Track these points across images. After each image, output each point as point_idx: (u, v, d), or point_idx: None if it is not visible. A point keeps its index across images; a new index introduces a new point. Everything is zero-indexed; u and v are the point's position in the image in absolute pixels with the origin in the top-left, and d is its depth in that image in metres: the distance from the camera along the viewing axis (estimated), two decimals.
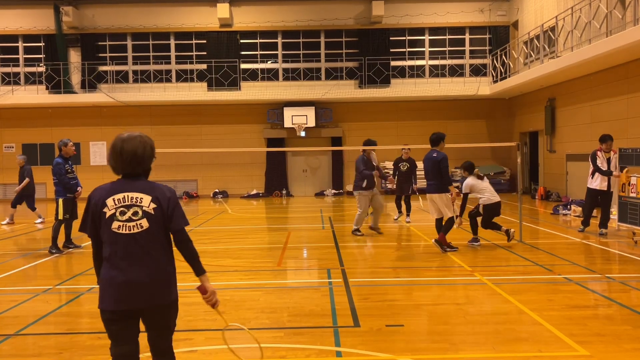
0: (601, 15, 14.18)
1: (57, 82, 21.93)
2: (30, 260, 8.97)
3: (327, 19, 22.41)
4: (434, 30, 22.87)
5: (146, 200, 3.06)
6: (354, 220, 11.14)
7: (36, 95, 21.88)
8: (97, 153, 22.77)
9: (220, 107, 22.52)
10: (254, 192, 22.43)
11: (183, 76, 22.69)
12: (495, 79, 21.40)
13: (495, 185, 21.28)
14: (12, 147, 22.58)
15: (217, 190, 22.46)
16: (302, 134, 21.96)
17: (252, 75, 22.73)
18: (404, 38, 22.89)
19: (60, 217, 9.46)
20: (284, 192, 22.60)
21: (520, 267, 7.97)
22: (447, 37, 22.94)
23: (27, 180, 13.73)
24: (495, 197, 9.46)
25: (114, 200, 3.05)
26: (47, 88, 22.11)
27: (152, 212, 3.05)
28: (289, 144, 22.56)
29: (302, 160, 23.24)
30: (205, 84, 22.40)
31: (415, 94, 21.85)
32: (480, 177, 9.55)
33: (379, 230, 11.20)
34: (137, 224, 3.03)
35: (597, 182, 10.62)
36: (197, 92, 22.11)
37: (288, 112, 21.86)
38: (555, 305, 5.82)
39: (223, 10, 21.77)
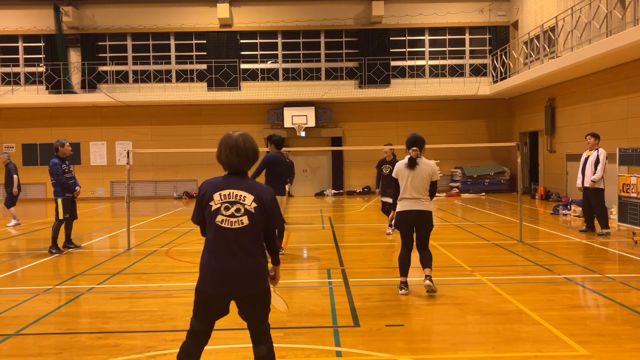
0: (601, 16, 14.18)
1: (57, 82, 21.94)
2: (30, 260, 8.97)
3: (327, 19, 22.42)
4: (434, 30, 22.88)
5: (249, 199, 3.34)
6: None
7: (36, 95, 21.89)
8: (97, 153, 22.77)
9: (220, 107, 22.52)
10: None
11: (183, 76, 22.69)
12: (495, 79, 21.41)
13: (495, 185, 21.65)
14: (12, 147, 22.57)
15: None
16: (302, 134, 21.96)
17: (252, 75, 22.74)
18: (404, 38, 22.90)
19: (61, 217, 9.45)
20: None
21: (520, 267, 7.97)
22: (447, 37, 22.95)
23: (16, 177, 13.50)
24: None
25: (220, 195, 3.34)
26: (47, 88, 22.12)
27: (253, 211, 3.33)
28: (289, 144, 22.50)
29: (302, 160, 23.23)
30: (205, 84, 22.41)
31: (415, 94, 21.86)
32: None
33: None
34: (238, 220, 3.32)
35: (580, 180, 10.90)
36: (197, 92, 22.11)
37: (288, 112, 21.87)
38: (555, 305, 5.82)
39: (223, 10, 21.78)
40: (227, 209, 3.32)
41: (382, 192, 11.28)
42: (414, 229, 6.33)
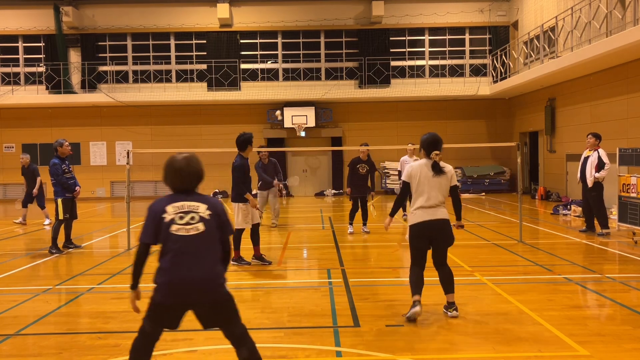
0: (601, 16, 14.18)
1: (57, 82, 21.94)
2: (30, 260, 8.97)
3: (327, 19, 22.42)
4: (434, 31, 22.88)
5: (202, 208, 3.45)
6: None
7: (36, 95, 21.89)
8: (97, 153, 22.78)
9: (220, 107, 22.53)
10: (254, 192, 22.36)
11: (183, 76, 22.70)
12: (495, 79, 21.41)
13: (495, 185, 21.65)
14: (12, 147, 22.58)
15: (217, 190, 22.45)
16: (302, 134, 21.96)
17: (252, 75, 22.74)
18: (404, 38, 22.90)
19: (61, 217, 9.45)
20: (284, 192, 22.58)
21: (520, 267, 7.97)
22: (447, 37, 22.95)
23: (39, 179, 13.56)
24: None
25: (173, 207, 3.42)
26: (47, 88, 22.12)
27: (208, 218, 3.43)
28: (289, 144, 22.56)
29: (302, 160, 23.24)
30: (205, 84, 22.41)
31: (415, 94, 21.86)
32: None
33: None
34: (194, 227, 3.38)
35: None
36: (197, 92, 22.11)
37: (288, 112, 21.86)
38: (555, 305, 5.82)
39: (223, 10, 21.78)
40: (181, 218, 3.38)
41: (353, 191, 11.21)
42: (430, 243, 5.44)
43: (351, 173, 11.25)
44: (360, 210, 11.36)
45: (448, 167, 5.53)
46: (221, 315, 3.50)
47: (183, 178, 3.48)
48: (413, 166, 5.54)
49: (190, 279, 3.33)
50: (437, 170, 5.41)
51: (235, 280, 7.40)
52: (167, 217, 3.38)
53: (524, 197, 17.96)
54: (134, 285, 3.53)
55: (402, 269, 8.13)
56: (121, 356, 4.54)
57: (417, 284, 5.40)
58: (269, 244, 10.50)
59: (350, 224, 11.44)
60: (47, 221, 13.75)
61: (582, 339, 4.74)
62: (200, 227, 3.39)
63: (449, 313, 5.46)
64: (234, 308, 3.56)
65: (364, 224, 11.48)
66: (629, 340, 4.73)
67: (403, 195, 5.61)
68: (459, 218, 5.60)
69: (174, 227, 3.36)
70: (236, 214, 8.03)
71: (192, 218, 3.40)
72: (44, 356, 4.62)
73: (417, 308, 5.24)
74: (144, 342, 3.49)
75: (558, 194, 17.86)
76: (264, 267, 8.12)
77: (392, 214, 5.68)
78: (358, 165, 11.15)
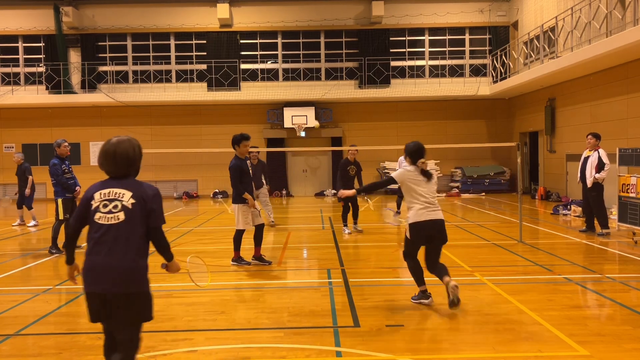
0: (601, 16, 14.18)
1: (57, 82, 21.94)
2: (30, 260, 8.97)
3: (327, 19, 22.42)
4: (434, 31, 22.89)
5: (127, 196, 3.38)
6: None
7: (36, 95, 21.89)
8: (97, 153, 22.75)
9: (220, 107, 22.53)
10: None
11: (183, 76, 22.70)
12: (495, 79, 21.41)
13: (495, 185, 21.65)
14: (12, 147, 22.58)
15: (217, 190, 22.46)
16: (302, 134, 21.96)
17: (252, 76, 22.74)
18: (404, 38, 22.90)
19: (61, 217, 9.44)
20: (284, 192, 22.60)
21: (520, 267, 7.97)
22: (447, 37, 22.95)
23: (31, 178, 13.58)
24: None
25: (100, 194, 3.40)
26: (47, 88, 22.12)
27: (130, 207, 3.35)
28: (289, 144, 22.56)
29: (302, 160, 23.24)
30: (205, 84, 22.41)
31: (415, 94, 21.86)
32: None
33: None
34: (115, 216, 3.34)
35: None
36: (197, 92, 22.12)
37: (288, 112, 21.86)
38: (555, 305, 5.82)
39: (223, 10, 21.78)
40: (105, 206, 3.36)
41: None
42: (428, 242, 5.84)
43: (341, 174, 11.49)
44: (351, 210, 11.55)
45: (433, 171, 6.09)
46: (127, 310, 3.31)
47: (113, 163, 3.44)
48: (405, 173, 5.86)
49: (105, 268, 3.28)
50: (428, 176, 5.86)
51: (235, 280, 7.40)
52: (94, 204, 3.38)
53: (524, 197, 17.96)
54: (69, 260, 3.66)
55: (402, 269, 8.13)
56: None
57: (420, 274, 5.95)
58: (269, 244, 10.50)
59: (345, 225, 11.54)
60: (32, 222, 13.76)
61: (582, 339, 4.74)
62: (121, 216, 3.33)
63: (451, 282, 5.64)
64: (140, 311, 3.38)
65: (355, 223, 11.70)
66: (629, 340, 4.73)
67: (382, 185, 6.25)
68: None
69: (97, 215, 3.35)
70: (236, 215, 8.03)
71: (115, 206, 3.35)
72: (44, 356, 4.62)
73: (430, 299, 5.90)
74: (106, 338, 3.50)
75: (558, 194, 17.86)
76: (263, 267, 8.11)
77: (359, 191, 6.63)
78: (348, 167, 11.44)
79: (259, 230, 8.22)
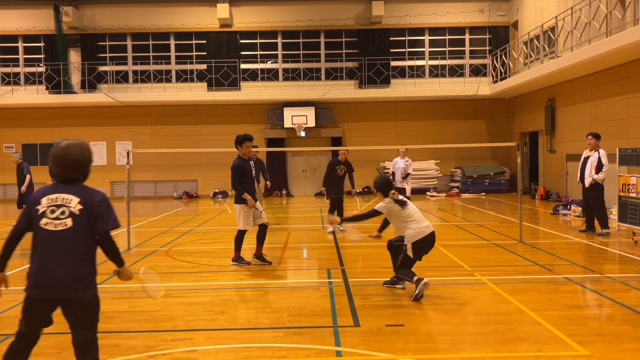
0: (601, 16, 14.18)
1: (57, 82, 21.94)
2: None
3: (327, 19, 22.42)
4: (434, 31, 22.89)
5: (74, 202, 3.35)
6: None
7: (36, 95, 21.89)
8: (97, 153, 22.76)
9: (220, 107, 22.53)
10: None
11: (183, 76, 22.70)
12: (495, 79, 21.41)
13: (495, 185, 21.64)
14: (12, 147, 22.58)
15: (217, 190, 22.46)
16: (302, 134, 21.96)
17: (252, 76, 22.74)
18: (404, 38, 22.90)
19: None
20: (284, 192, 22.60)
21: (520, 267, 7.96)
22: (447, 37, 22.95)
23: (29, 177, 13.54)
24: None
25: (47, 199, 3.36)
26: (47, 88, 22.12)
27: (78, 213, 3.33)
28: (289, 144, 22.56)
29: (302, 160, 23.24)
30: (205, 84, 22.41)
31: (415, 94, 21.86)
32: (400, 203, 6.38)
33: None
34: (62, 222, 3.31)
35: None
36: (197, 92, 22.12)
37: (288, 112, 21.86)
38: (555, 305, 5.82)
39: (223, 10, 21.78)
40: (52, 212, 3.33)
41: (330, 191, 11.64)
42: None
43: (329, 173, 11.73)
44: (336, 209, 11.71)
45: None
46: (78, 316, 3.35)
47: (61, 167, 3.39)
48: (387, 205, 6.33)
49: (52, 275, 3.27)
50: (402, 204, 6.32)
51: (235, 280, 7.40)
52: (40, 209, 3.35)
53: (524, 197, 17.96)
54: (1, 267, 3.57)
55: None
56: (121, 356, 4.54)
57: (412, 271, 6.24)
58: (269, 243, 10.50)
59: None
60: None
61: (582, 339, 4.74)
62: (69, 222, 3.31)
63: (399, 286, 6.53)
64: (92, 314, 3.40)
65: (340, 223, 11.57)
66: (629, 340, 4.73)
67: (366, 217, 6.55)
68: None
69: (43, 221, 3.32)
70: (238, 216, 8.04)
71: (62, 212, 3.33)
72: (44, 356, 4.62)
73: (426, 279, 6.02)
74: (19, 345, 3.40)
75: (558, 194, 17.86)
76: (263, 267, 8.12)
77: (343, 220, 7.22)
78: (337, 167, 11.67)
79: (262, 230, 8.22)
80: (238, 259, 8.21)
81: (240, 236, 8.14)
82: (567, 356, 4.41)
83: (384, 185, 6.43)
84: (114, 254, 3.49)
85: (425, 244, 6.28)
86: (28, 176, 13.49)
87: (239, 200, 7.99)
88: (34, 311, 3.36)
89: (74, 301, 3.30)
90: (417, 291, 6.01)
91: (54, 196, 3.36)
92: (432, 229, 6.34)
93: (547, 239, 10.46)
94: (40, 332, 3.45)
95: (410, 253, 6.24)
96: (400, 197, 6.38)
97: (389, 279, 6.71)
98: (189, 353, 4.61)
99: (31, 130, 22.50)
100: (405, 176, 12.96)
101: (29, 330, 3.39)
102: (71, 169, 3.41)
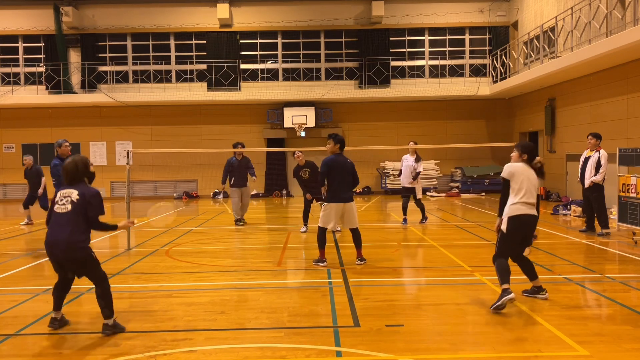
0: (601, 16, 14.19)
1: (57, 82, 21.94)
2: (30, 260, 8.97)
3: (327, 19, 22.43)
4: (434, 31, 22.89)
5: (75, 194, 5.06)
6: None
7: (36, 95, 21.89)
8: (97, 153, 22.77)
9: (220, 107, 22.53)
10: (254, 192, 22.43)
11: (183, 76, 22.70)
12: (495, 79, 21.41)
13: (495, 185, 21.63)
14: (12, 147, 22.58)
15: (217, 190, 22.46)
16: (302, 134, 21.96)
17: (252, 76, 22.74)
18: (404, 38, 22.90)
19: None
20: (284, 192, 22.60)
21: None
22: (447, 37, 22.96)
23: (44, 179, 13.65)
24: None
25: (60, 193, 5.14)
26: (47, 88, 22.12)
27: (76, 201, 5.02)
28: (289, 144, 22.56)
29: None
30: (205, 84, 22.41)
31: (415, 94, 21.87)
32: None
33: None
34: (65, 207, 5.03)
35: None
36: (197, 92, 22.12)
37: (288, 112, 21.87)
38: (555, 305, 5.82)
39: (223, 10, 21.79)
40: (61, 200, 5.06)
41: (312, 194, 11.45)
42: (523, 237, 5.98)
43: (299, 181, 11.57)
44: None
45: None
46: (82, 269, 5.12)
47: (65, 174, 5.15)
48: (514, 166, 5.91)
49: (56, 241, 4.98)
50: (543, 174, 6.10)
51: (236, 280, 7.41)
52: (56, 199, 5.10)
53: None
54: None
55: (402, 269, 8.14)
56: (121, 356, 4.54)
57: (507, 272, 5.74)
58: (269, 243, 10.51)
59: (305, 224, 11.72)
60: (25, 221, 13.89)
61: (582, 339, 4.74)
62: (69, 207, 5.01)
63: (540, 296, 6.01)
64: (92, 265, 5.09)
65: (305, 225, 11.74)
66: (629, 340, 4.73)
67: (504, 195, 5.99)
68: None
69: (55, 207, 5.07)
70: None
71: (67, 200, 5.03)
72: (44, 356, 4.62)
73: (513, 294, 5.56)
74: (57, 283, 5.28)
75: (558, 194, 17.86)
76: (263, 267, 8.12)
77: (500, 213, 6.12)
78: (300, 172, 11.53)
79: (355, 234, 8.19)
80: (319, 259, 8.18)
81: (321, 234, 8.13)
82: (567, 356, 4.41)
83: (532, 149, 6.01)
84: (105, 230, 5.30)
85: (521, 224, 5.82)
86: (43, 179, 13.62)
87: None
88: (54, 264, 5.15)
89: (72, 260, 5.04)
90: (499, 302, 5.55)
91: (63, 191, 5.12)
92: (531, 212, 5.84)
93: (547, 239, 10.46)
94: (67, 276, 5.22)
95: (504, 227, 5.86)
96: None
97: (529, 289, 6.19)
98: (189, 353, 4.61)
99: (31, 130, 22.51)
100: (416, 176, 12.23)
101: (59, 275, 5.26)
102: (69, 175, 5.15)
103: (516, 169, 5.88)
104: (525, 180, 5.83)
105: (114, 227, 5.32)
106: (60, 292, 5.28)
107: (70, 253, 4.95)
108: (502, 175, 5.96)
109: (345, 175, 8.06)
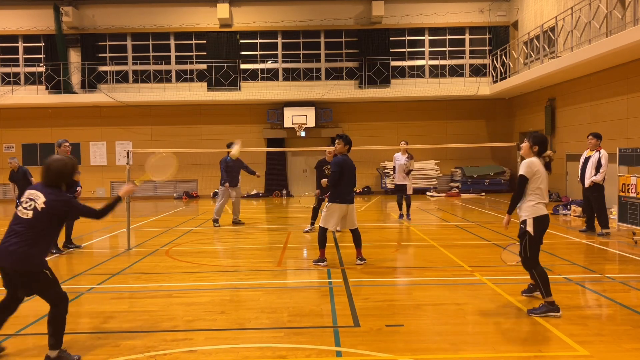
0: (601, 16, 14.18)
1: (57, 82, 21.94)
2: None
3: (327, 19, 22.42)
4: (434, 31, 22.88)
5: (41, 200, 4.32)
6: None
7: (36, 95, 21.89)
8: (97, 153, 22.77)
9: (220, 107, 22.53)
10: (254, 192, 22.44)
11: (183, 76, 22.69)
12: (495, 79, 21.41)
13: (495, 185, 21.65)
14: (12, 147, 22.58)
15: (217, 190, 22.42)
16: (302, 134, 21.96)
17: (252, 75, 22.74)
18: (404, 38, 22.90)
19: None
20: (284, 192, 22.60)
21: (520, 267, 7.94)
22: (447, 37, 22.95)
23: (33, 179, 13.53)
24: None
25: (27, 192, 4.41)
26: (47, 88, 22.12)
27: (40, 210, 4.28)
28: (289, 144, 22.55)
29: (302, 160, 23.23)
30: (205, 84, 22.41)
31: (415, 94, 21.86)
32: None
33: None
34: (27, 213, 4.30)
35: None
36: (197, 92, 22.11)
37: (288, 112, 21.86)
38: None
39: (223, 10, 21.78)
40: (26, 202, 4.34)
41: (321, 192, 11.11)
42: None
43: (319, 175, 11.29)
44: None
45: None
46: (29, 284, 4.36)
47: (46, 171, 4.43)
48: (534, 163, 5.58)
49: (5, 250, 4.22)
50: (550, 167, 5.74)
51: (236, 280, 7.41)
52: (22, 198, 4.38)
53: None
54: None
55: (402, 268, 8.14)
56: (121, 356, 4.54)
57: (549, 282, 5.53)
58: (269, 243, 10.50)
59: (312, 223, 11.69)
60: None
61: (582, 339, 4.74)
62: (30, 213, 4.28)
63: (538, 294, 5.83)
64: (46, 282, 4.36)
65: (313, 223, 11.71)
66: (629, 340, 4.73)
67: (518, 193, 5.70)
68: None
69: (19, 208, 4.36)
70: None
71: (30, 205, 4.31)
72: (42, 357, 4.62)
73: (560, 313, 5.42)
74: (2, 301, 4.55)
75: (558, 194, 17.86)
76: (263, 267, 8.12)
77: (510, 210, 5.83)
78: (324, 167, 11.33)
79: (355, 234, 8.22)
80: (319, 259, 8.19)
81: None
82: (567, 356, 4.41)
83: (546, 141, 5.72)
84: (110, 210, 4.68)
85: (546, 225, 5.60)
86: (33, 180, 13.47)
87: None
88: (2, 275, 4.39)
89: (19, 272, 4.27)
90: (545, 311, 5.44)
91: (31, 191, 4.41)
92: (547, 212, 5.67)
93: (547, 239, 10.40)
94: (15, 294, 4.49)
95: (532, 229, 5.53)
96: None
97: (526, 288, 6.18)
98: (189, 353, 4.61)
99: (31, 130, 22.50)
100: (408, 172, 12.95)
101: (6, 289, 4.47)
102: (45, 174, 4.45)
103: (538, 167, 5.57)
104: (544, 178, 5.60)
105: (117, 201, 4.71)
106: (2, 313, 4.56)
107: (19, 264, 4.22)
108: (521, 172, 5.59)
109: (351, 176, 8.22)
